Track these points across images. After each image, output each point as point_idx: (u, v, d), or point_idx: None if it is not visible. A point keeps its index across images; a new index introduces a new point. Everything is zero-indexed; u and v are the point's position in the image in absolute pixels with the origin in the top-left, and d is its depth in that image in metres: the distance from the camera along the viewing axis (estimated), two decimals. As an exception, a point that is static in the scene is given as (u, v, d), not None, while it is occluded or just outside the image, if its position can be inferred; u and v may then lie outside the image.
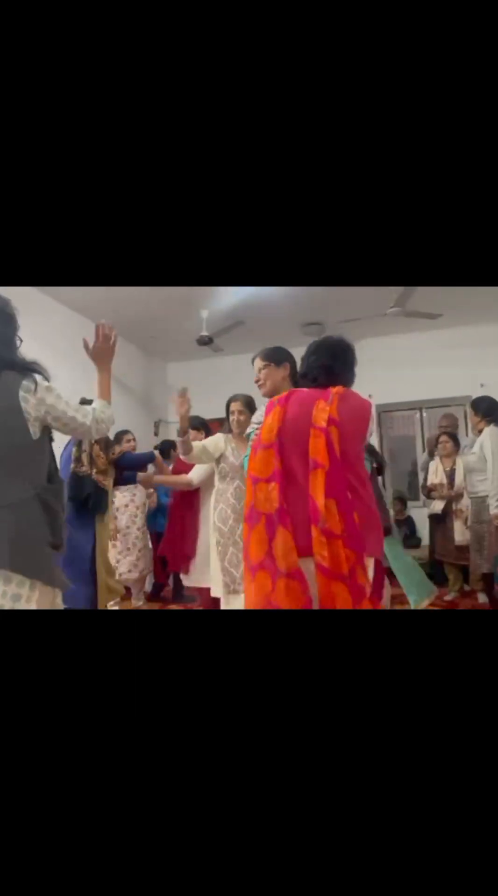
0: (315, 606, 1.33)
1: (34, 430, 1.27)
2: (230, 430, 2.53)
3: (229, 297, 4.36)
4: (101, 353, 1.49)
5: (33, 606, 1.20)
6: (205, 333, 4.54)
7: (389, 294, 4.18)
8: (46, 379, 1.32)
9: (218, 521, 2.36)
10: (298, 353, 6.32)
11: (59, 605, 1.34)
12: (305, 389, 1.64)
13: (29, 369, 1.30)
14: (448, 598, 3.62)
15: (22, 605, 1.19)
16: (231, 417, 2.53)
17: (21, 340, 1.41)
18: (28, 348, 1.46)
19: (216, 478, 2.46)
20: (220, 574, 2.27)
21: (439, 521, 3.71)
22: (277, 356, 2.03)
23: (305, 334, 5.17)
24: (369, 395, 6.16)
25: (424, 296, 4.17)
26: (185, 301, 4.36)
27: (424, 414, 5.18)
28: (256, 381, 2.04)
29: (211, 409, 5.72)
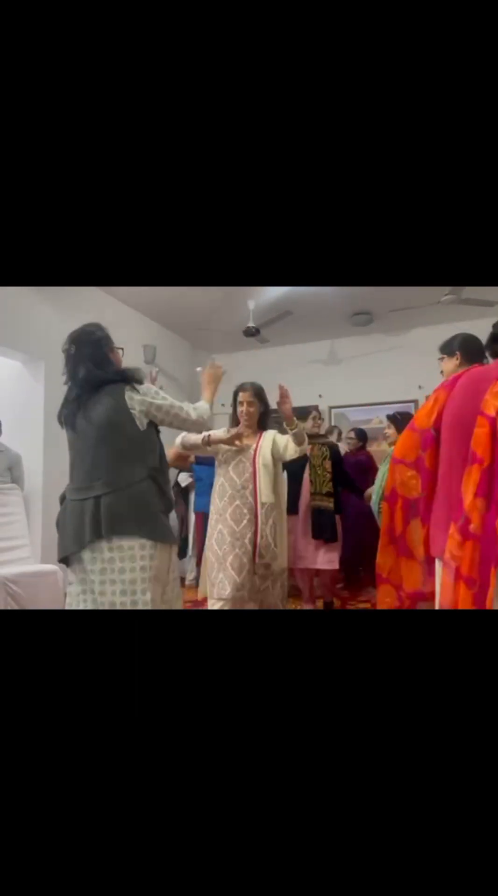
0: (436, 605, 1.27)
1: (141, 423, 1.56)
2: (236, 423, 2.35)
3: (276, 288, 4.33)
4: (209, 378, 1.88)
5: (156, 562, 1.51)
6: (252, 325, 4.54)
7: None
8: (140, 381, 1.60)
9: (208, 523, 2.24)
10: (343, 343, 6.12)
11: (175, 558, 1.65)
12: (481, 367, 1.43)
13: (130, 376, 1.60)
14: None
15: (152, 562, 1.50)
16: (239, 409, 2.34)
17: (123, 350, 1.75)
18: None
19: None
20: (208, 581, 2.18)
21: None
22: (448, 348, 1.82)
23: (354, 324, 5.07)
24: (419, 387, 5.95)
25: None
26: (232, 292, 4.38)
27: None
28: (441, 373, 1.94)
29: (257, 401, 5.66)
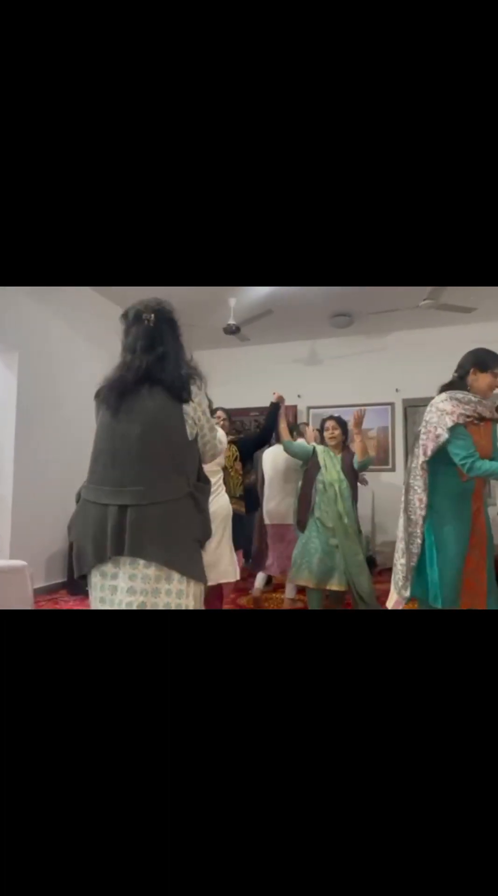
0: None
1: (190, 433, 1.32)
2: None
3: (258, 287, 4.32)
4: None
5: (191, 602, 1.25)
6: (232, 322, 4.52)
7: (421, 286, 4.08)
8: (200, 387, 1.37)
9: None
10: (323, 344, 6.16)
11: (202, 596, 1.37)
12: None
13: (195, 372, 1.37)
14: None
15: (183, 601, 1.24)
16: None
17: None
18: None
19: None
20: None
21: None
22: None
23: (335, 326, 5.10)
24: (396, 390, 6.05)
25: (459, 289, 4.05)
26: (213, 289, 4.35)
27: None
28: None
29: (236, 399, 5.69)
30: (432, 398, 2.05)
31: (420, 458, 2.01)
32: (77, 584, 3.81)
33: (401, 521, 2.15)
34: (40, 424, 3.81)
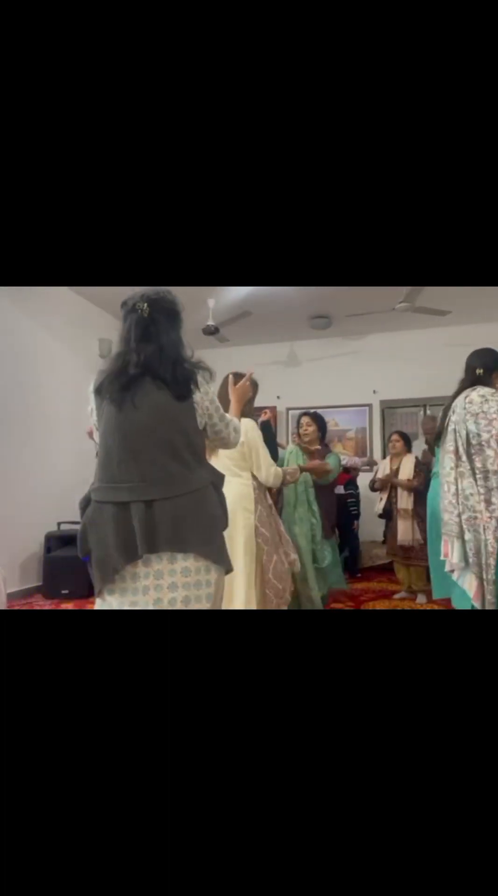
0: None
1: (200, 422, 1.30)
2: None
3: (236, 288, 4.33)
4: (239, 392, 1.76)
5: (212, 591, 1.24)
6: (211, 323, 4.51)
7: (397, 290, 4.15)
8: (207, 379, 1.33)
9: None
10: (302, 345, 6.20)
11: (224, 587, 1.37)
12: None
13: (198, 366, 1.33)
14: (397, 596, 3.69)
15: (216, 591, 1.24)
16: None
17: None
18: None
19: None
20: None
21: (388, 520, 3.74)
22: None
23: (313, 327, 5.14)
24: (374, 391, 6.10)
25: (434, 293, 4.13)
26: (192, 290, 4.33)
27: (428, 411, 5.18)
28: None
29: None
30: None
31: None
32: (52, 587, 3.76)
33: (457, 523, 1.92)
34: (11, 427, 3.74)
